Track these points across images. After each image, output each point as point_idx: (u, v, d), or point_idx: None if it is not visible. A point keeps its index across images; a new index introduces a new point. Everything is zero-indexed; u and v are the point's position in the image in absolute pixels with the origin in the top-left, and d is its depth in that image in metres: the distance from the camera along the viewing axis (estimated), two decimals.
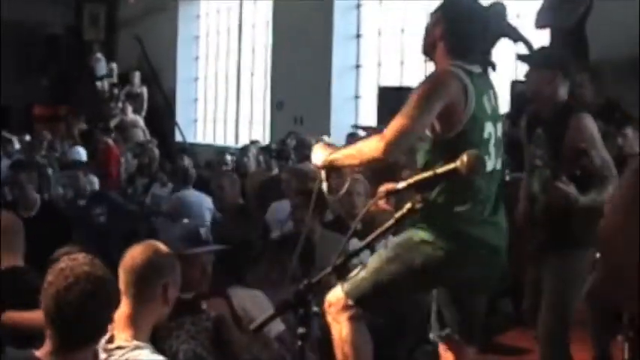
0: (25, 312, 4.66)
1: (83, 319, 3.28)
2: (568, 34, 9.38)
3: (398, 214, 2.95)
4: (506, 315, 7.69)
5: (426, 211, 4.10)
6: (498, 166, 4.47)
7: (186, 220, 5.02)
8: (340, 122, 15.04)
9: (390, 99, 11.49)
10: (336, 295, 4.37)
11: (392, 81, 14.34)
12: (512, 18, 11.80)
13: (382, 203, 4.09)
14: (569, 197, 5.11)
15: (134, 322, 3.85)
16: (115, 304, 3.49)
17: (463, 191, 4.25)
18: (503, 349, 7.08)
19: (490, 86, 4.54)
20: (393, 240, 4.46)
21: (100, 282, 3.32)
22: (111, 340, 3.74)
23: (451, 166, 2.86)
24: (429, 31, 4.57)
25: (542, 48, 7.84)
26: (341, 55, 15.45)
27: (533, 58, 6.53)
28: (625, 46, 9.59)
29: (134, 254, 3.98)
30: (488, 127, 4.36)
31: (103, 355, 3.66)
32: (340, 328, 4.39)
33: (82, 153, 13.13)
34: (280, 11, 17.07)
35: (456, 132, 4.20)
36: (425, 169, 4.20)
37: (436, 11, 4.59)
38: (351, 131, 13.89)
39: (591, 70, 8.86)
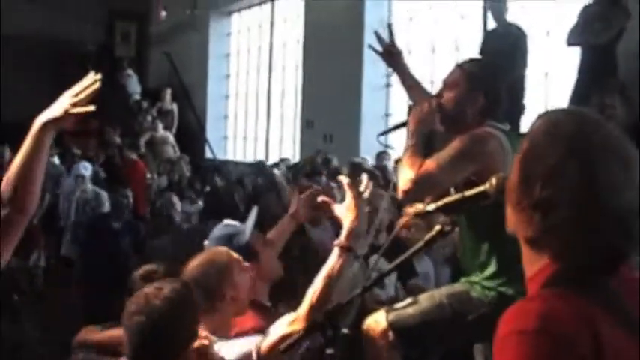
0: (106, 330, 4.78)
1: (148, 345, 3.34)
2: (599, 53, 9.34)
3: (427, 237, 2.94)
4: None
5: (484, 274, 4.28)
6: None
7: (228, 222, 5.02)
8: (370, 141, 14.97)
9: None
10: (378, 320, 4.38)
11: None
12: (541, 36, 11.82)
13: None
14: None
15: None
16: (187, 328, 3.47)
17: (517, 259, 4.29)
18: None
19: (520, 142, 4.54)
20: (449, 287, 4.51)
21: (163, 312, 3.34)
22: None
23: (480, 188, 2.85)
24: (461, 101, 4.50)
25: None
26: (371, 73, 15.42)
27: None
28: None
29: (186, 270, 4.10)
30: None
31: None
32: (375, 353, 4.40)
33: (88, 168, 13.33)
34: (311, 29, 17.11)
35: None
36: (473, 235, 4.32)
37: (470, 74, 4.53)
38: (380, 150, 13.90)
39: (622, 90, 8.82)
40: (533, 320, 1.99)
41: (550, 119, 2.21)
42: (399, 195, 4.35)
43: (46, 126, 3.34)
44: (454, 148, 4.30)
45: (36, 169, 3.33)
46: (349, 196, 3.74)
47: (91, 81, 3.43)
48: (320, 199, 4.11)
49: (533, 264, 2.19)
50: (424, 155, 4.32)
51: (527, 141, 2.21)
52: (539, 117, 2.25)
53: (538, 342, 1.97)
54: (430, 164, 4.25)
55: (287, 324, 3.66)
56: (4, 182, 3.31)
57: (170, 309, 3.34)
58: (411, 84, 5.39)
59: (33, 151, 3.32)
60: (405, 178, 4.27)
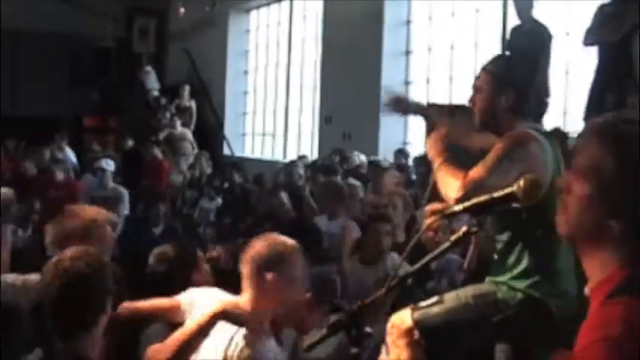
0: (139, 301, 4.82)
1: (62, 312, 3.47)
2: (614, 52, 9.30)
3: (454, 237, 2.94)
4: None
5: (512, 274, 4.29)
6: None
7: None
8: (389, 138, 15.00)
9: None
10: (403, 319, 4.39)
11: (441, 97, 14.27)
12: (560, 36, 11.78)
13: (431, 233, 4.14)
14: None
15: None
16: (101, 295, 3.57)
17: (546, 261, 4.28)
18: None
19: (554, 144, 4.50)
20: (475, 288, 4.51)
21: (76, 277, 3.46)
22: None
23: (508, 190, 2.84)
24: (489, 102, 4.52)
25: None
26: (390, 71, 15.39)
27: None
28: None
29: (252, 248, 4.31)
30: None
31: None
32: (399, 352, 4.40)
33: (110, 164, 12.98)
34: (330, 27, 17.11)
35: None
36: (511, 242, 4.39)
37: (494, 75, 4.53)
38: (399, 147, 13.89)
39: None
40: (618, 326, 1.95)
41: (600, 124, 2.19)
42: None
43: None
44: (499, 150, 4.29)
45: None
46: None
47: None
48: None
49: (596, 270, 2.16)
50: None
51: (582, 147, 2.19)
52: (591, 122, 2.23)
53: (625, 348, 1.92)
54: (478, 170, 4.23)
55: None
56: None
57: (76, 282, 3.46)
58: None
59: None
60: (453, 187, 4.22)
